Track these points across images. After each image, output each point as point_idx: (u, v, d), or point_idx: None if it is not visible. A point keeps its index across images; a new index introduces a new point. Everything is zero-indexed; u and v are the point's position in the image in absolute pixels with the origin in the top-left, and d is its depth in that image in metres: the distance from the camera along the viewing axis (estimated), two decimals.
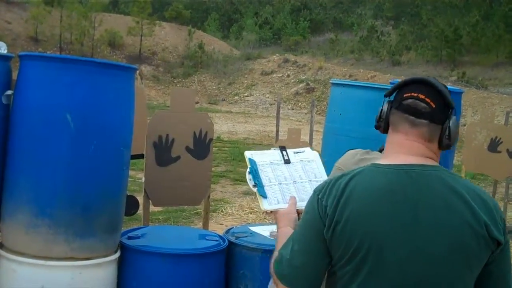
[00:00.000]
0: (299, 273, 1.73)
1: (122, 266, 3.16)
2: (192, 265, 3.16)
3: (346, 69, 27.97)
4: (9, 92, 3.04)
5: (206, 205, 4.36)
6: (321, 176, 2.27)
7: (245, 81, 27.86)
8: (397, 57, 32.88)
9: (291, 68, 28.32)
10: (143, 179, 4.06)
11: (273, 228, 3.72)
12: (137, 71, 3.52)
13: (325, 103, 23.28)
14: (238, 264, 3.36)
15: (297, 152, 2.34)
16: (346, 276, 1.68)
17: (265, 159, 2.24)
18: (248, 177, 2.18)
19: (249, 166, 2.20)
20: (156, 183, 4.05)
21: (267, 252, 3.32)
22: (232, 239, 3.43)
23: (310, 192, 2.13)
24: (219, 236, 3.49)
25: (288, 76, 27.49)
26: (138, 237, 3.31)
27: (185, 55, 31.01)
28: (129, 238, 3.30)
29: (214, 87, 27.90)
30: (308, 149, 2.40)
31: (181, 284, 3.14)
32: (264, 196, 2.14)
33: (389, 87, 1.83)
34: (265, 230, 3.61)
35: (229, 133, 16.23)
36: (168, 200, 4.26)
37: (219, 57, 30.49)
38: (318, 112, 19.14)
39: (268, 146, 14.04)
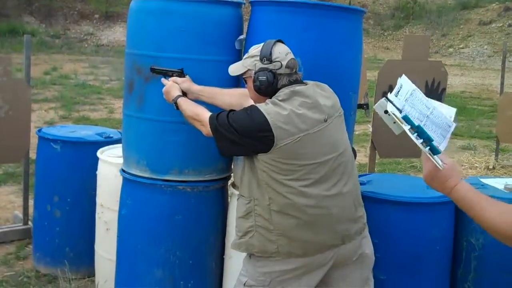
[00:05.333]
0: None
1: None
2: (421, 214, 3.06)
3: None
4: (242, 36, 3.13)
5: None
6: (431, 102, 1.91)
7: (461, 32, 26.32)
8: None
9: None
10: (370, 129, 4.01)
11: (507, 181, 3.47)
12: None
13: None
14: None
15: (398, 91, 1.92)
16: None
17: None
18: (414, 135, 1.75)
19: (406, 124, 1.76)
20: (383, 134, 3.96)
21: None
22: None
23: (440, 122, 1.85)
24: None
25: (510, 25, 25.44)
26: (364, 184, 3.27)
27: (396, 6, 30.05)
28: None
29: None
30: (401, 80, 1.99)
31: (407, 232, 3.05)
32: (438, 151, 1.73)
33: None
34: (498, 183, 3.37)
35: None
36: (395, 152, 4.16)
37: (432, 7, 29.11)
38: None
39: (487, 100, 13.21)
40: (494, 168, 7.51)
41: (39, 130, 4.32)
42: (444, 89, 4.01)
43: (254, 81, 2.53)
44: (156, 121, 3.06)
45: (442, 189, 1.78)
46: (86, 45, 21.29)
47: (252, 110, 2.46)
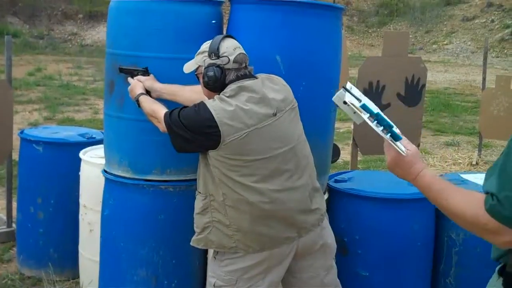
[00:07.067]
0: None
1: (329, 208, 3.16)
2: (402, 210, 3.09)
3: None
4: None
5: None
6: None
7: (444, 28, 26.46)
8: None
9: (496, 12, 26.30)
10: (352, 127, 4.03)
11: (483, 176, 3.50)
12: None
13: None
14: None
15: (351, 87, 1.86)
16: None
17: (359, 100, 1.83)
18: (374, 123, 1.74)
19: (365, 113, 1.77)
20: (365, 131, 3.99)
21: None
22: None
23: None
24: None
25: (492, 21, 25.59)
26: (345, 181, 3.29)
27: (380, 3, 30.13)
28: (336, 181, 3.29)
29: (410, 36, 26.85)
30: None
31: (388, 229, 3.08)
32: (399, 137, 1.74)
33: None
34: (478, 178, 3.40)
35: (428, 83, 15.49)
36: (377, 149, 4.17)
37: (416, 3, 29.22)
38: None
39: (470, 96, 13.29)
40: (477, 163, 7.56)
41: (21, 132, 4.30)
42: (423, 85, 4.05)
43: (203, 77, 2.55)
44: (137, 120, 3.05)
45: (406, 175, 1.75)
46: (70, 45, 21.16)
47: (200, 107, 2.48)
